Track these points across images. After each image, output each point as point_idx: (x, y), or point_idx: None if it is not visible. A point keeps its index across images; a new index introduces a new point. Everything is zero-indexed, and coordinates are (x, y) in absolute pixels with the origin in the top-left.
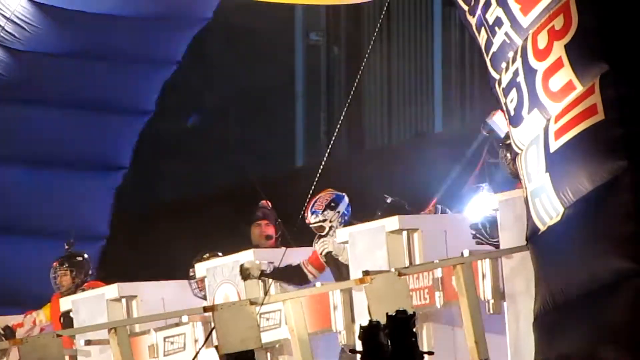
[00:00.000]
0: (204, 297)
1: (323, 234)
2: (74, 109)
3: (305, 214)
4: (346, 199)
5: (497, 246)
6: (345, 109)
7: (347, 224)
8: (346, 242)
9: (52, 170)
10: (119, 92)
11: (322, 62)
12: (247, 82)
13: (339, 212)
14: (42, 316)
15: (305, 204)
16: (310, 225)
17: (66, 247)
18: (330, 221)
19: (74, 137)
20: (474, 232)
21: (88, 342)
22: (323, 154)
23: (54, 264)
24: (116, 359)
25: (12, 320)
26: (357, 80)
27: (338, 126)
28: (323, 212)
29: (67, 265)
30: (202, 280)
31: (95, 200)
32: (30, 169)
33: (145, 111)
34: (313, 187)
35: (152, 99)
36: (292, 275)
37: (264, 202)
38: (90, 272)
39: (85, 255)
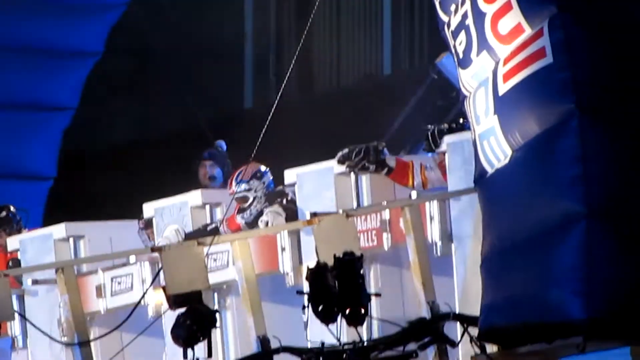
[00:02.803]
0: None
1: (245, 205)
2: (21, 50)
3: (230, 186)
4: (270, 174)
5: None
6: (297, 52)
7: (267, 197)
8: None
9: None
10: (66, 33)
11: (272, 3)
12: (196, 22)
13: (264, 182)
14: None
15: (229, 177)
16: (234, 196)
17: None
18: (255, 191)
19: (20, 78)
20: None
21: (35, 282)
22: (272, 96)
23: None
24: (63, 298)
25: None
26: (308, 23)
27: (289, 71)
28: (249, 181)
29: None
30: (152, 231)
31: (42, 140)
32: None
33: (93, 52)
34: (263, 131)
35: (100, 39)
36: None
37: (219, 141)
38: (19, 218)
39: (12, 208)
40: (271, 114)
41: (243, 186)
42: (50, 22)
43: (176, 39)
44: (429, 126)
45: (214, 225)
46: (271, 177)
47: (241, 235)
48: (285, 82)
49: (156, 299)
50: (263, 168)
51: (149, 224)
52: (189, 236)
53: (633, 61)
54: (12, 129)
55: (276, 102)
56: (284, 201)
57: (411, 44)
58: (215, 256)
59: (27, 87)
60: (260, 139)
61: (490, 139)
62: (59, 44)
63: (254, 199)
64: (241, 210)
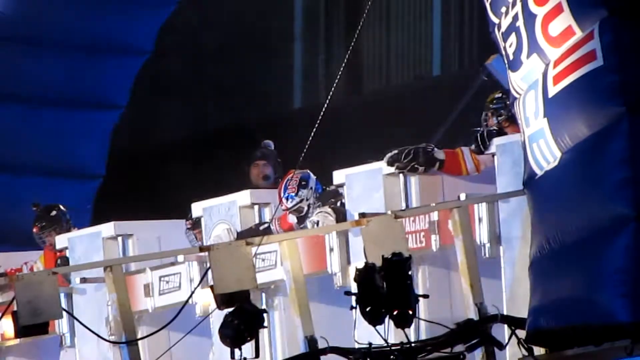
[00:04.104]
0: None
1: (303, 214)
2: (71, 48)
3: (280, 202)
4: (312, 175)
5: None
6: (348, 54)
7: (319, 197)
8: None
9: (49, 109)
10: (116, 32)
11: (321, 3)
12: (246, 22)
13: (311, 188)
14: (39, 264)
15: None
16: (289, 211)
17: (34, 208)
18: (307, 199)
19: (70, 76)
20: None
21: (83, 280)
22: (321, 96)
23: (34, 230)
24: (111, 297)
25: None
26: (360, 25)
27: (339, 73)
28: (297, 193)
29: (47, 224)
30: (199, 231)
31: (91, 139)
32: (26, 107)
33: (142, 51)
34: (313, 131)
35: (150, 38)
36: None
37: (266, 141)
38: (69, 217)
39: (61, 207)
40: (321, 115)
41: (295, 200)
42: (101, 18)
43: (226, 40)
44: (479, 128)
45: (265, 225)
46: (315, 178)
47: (290, 235)
48: (335, 83)
49: (204, 299)
50: (305, 174)
51: (196, 225)
52: (240, 235)
53: None
54: (62, 127)
55: (326, 103)
56: (338, 203)
57: (461, 45)
58: (263, 256)
59: (76, 85)
60: (309, 140)
61: (539, 141)
62: (109, 42)
63: (308, 207)
64: (300, 220)
